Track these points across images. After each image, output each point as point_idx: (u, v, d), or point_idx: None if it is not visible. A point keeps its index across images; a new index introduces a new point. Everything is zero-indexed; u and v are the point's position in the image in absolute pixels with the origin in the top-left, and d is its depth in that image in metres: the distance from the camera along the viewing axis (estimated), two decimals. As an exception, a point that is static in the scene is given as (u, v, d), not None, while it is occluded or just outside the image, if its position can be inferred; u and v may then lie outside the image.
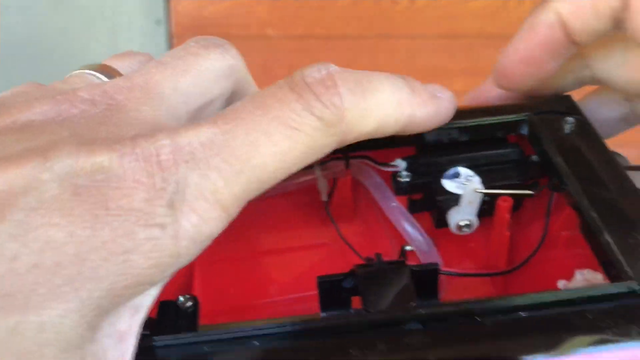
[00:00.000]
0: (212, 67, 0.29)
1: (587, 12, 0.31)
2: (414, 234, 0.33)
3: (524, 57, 0.34)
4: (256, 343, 0.24)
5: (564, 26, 0.32)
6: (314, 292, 0.28)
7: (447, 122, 0.30)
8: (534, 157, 0.34)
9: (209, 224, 0.23)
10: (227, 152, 0.23)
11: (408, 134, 0.29)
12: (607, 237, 0.27)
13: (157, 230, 0.21)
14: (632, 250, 0.27)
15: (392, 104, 0.27)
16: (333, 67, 0.26)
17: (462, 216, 0.32)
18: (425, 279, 0.28)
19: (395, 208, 0.34)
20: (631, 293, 0.25)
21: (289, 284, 0.36)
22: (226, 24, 1.22)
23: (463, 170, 0.33)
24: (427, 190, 0.33)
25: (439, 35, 1.36)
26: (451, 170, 0.33)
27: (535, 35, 0.33)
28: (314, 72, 0.25)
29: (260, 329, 0.24)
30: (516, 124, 0.34)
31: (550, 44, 0.33)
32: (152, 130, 0.24)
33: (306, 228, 0.37)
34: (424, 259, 0.34)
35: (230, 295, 0.36)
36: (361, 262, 0.29)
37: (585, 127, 0.33)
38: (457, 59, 1.40)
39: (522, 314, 0.24)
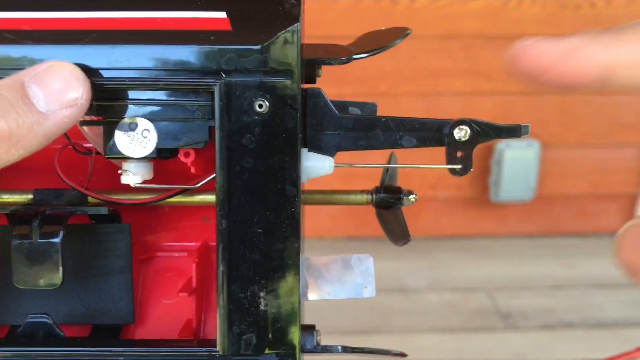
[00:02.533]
0: None
1: None
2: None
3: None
4: None
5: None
6: None
7: (76, 121, 0.25)
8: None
9: None
10: None
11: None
12: (223, 298, 0.27)
13: None
14: (235, 309, 0.27)
15: None
16: None
17: (129, 168, 0.29)
18: (106, 216, 0.31)
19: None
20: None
21: None
22: (226, 23, 1.22)
23: (142, 123, 0.27)
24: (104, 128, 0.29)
25: (439, 36, 1.36)
26: (127, 121, 0.27)
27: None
28: None
29: None
30: (203, 84, 0.27)
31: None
32: None
33: None
34: None
35: None
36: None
37: (281, 112, 0.27)
38: (456, 59, 1.40)
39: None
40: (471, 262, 1.40)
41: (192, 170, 0.30)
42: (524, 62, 0.26)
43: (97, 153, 0.32)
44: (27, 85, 0.23)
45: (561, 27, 1.36)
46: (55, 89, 0.24)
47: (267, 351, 0.27)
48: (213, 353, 0.27)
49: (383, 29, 0.32)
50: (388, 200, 0.34)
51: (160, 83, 0.26)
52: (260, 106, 0.26)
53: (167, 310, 0.34)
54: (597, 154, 1.47)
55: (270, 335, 0.27)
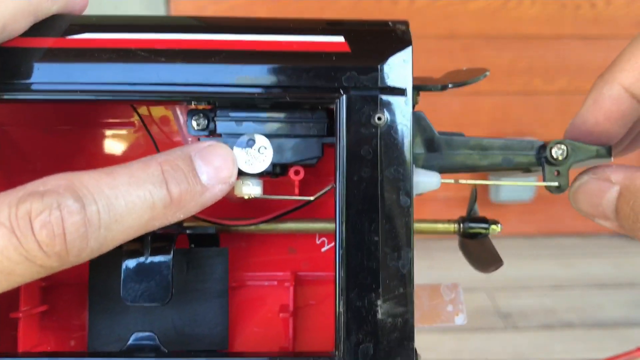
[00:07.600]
0: None
1: None
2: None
3: (591, 130, 0.31)
4: None
5: (632, 95, 0.30)
6: None
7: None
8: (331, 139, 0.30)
9: None
10: None
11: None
12: (341, 305, 0.28)
13: None
14: (353, 318, 0.27)
15: (140, 224, 0.25)
16: (68, 203, 0.23)
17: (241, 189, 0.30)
18: (206, 239, 0.32)
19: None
20: None
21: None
22: (226, 23, 1.22)
23: (259, 139, 0.29)
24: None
25: (439, 36, 1.36)
26: (245, 137, 0.29)
27: (600, 109, 0.30)
28: (45, 213, 0.23)
29: None
30: (326, 99, 0.29)
31: (616, 114, 0.30)
32: None
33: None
34: None
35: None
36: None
37: (396, 127, 0.28)
38: (456, 59, 1.41)
39: None
40: (471, 262, 1.40)
41: (296, 191, 0.31)
42: (584, 208, 0.29)
43: None
44: (194, 159, 0.26)
45: (561, 27, 1.36)
46: (216, 167, 0.26)
47: None
48: None
49: (464, 68, 0.34)
50: (475, 229, 0.36)
51: (282, 100, 0.28)
52: (379, 119, 0.28)
53: (259, 337, 0.35)
54: (597, 154, 1.47)
55: (386, 346, 0.27)
